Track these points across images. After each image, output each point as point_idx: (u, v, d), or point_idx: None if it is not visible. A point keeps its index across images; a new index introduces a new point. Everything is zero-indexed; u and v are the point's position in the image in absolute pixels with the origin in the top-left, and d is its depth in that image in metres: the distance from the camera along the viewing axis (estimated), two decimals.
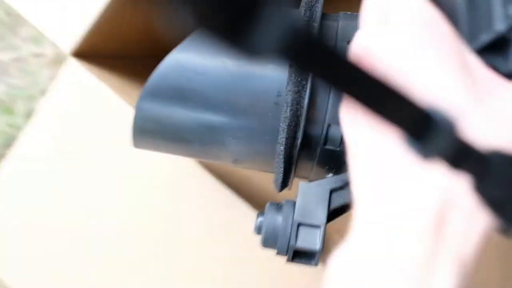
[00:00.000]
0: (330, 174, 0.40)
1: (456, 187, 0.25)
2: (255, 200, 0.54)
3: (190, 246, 0.54)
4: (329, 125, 0.37)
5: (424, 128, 0.21)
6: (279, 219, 0.37)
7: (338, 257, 0.27)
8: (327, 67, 0.19)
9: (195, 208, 0.53)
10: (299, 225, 0.36)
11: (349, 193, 0.37)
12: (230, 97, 0.37)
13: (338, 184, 0.37)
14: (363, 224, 0.27)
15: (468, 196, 0.24)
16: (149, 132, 0.40)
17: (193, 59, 0.38)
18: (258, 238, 0.37)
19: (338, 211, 0.37)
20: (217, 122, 0.38)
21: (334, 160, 0.38)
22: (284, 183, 0.40)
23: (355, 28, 0.32)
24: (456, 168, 0.22)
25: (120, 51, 0.56)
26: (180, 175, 0.52)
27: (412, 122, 0.21)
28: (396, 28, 0.29)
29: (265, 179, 0.65)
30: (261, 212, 0.38)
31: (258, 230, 0.38)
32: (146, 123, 0.39)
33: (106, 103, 0.48)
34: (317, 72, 0.19)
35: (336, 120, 0.37)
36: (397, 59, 0.28)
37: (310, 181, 0.42)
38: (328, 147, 0.38)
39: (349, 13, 0.40)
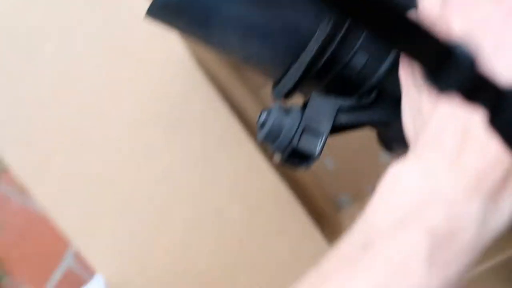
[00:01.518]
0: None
1: (470, 119, 0.27)
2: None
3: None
4: (356, 52, 0.39)
5: (444, 63, 0.22)
6: (285, 119, 0.38)
7: (394, 169, 0.29)
8: None
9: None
10: (304, 128, 0.38)
11: (351, 116, 0.40)
12: None
13: (345, 105, 0.39)
14: (411, 152, 0.30)
15: (482, 128, 0.26)
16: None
17: None
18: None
19: (339, 128, 0.40)
20: None
21: (344, 85, 0.41)
22: (291, 92, 0.41)
23: None
24: (471, 101, 0.23)
25: None
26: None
27: (432, 57, 0.22)
28: None
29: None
30: (265, 109, 0.40)
31: (261, 125, 0.39)
32: None
33: None
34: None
35: (363, 48, 0.39)
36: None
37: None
38: (346, 71, 0.40)
39: None
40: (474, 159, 0.27)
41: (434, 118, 0.29)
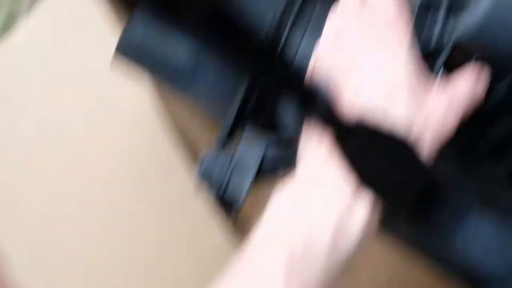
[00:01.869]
0: None
1: (324, 141, 0.31)
2: None
3: None
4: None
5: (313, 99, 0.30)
6: (216, 165, 0.38)
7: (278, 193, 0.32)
8: None
9: None
10: (232, 171, 0.37)
11: (279, 150, 0.39)
12: None
13: (274, 139, 0.39)
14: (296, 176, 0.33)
15: (327, 146, 0.31)
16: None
17: None
18: None
19: (271, 167, 0.39)
20: None
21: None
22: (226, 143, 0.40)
23: None
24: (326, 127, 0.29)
25: None
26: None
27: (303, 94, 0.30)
28: None
29: None
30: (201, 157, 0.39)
31: (197, 173, 0.39)
32: None
33: None
34: None
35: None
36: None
37: None
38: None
39: None
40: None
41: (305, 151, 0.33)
